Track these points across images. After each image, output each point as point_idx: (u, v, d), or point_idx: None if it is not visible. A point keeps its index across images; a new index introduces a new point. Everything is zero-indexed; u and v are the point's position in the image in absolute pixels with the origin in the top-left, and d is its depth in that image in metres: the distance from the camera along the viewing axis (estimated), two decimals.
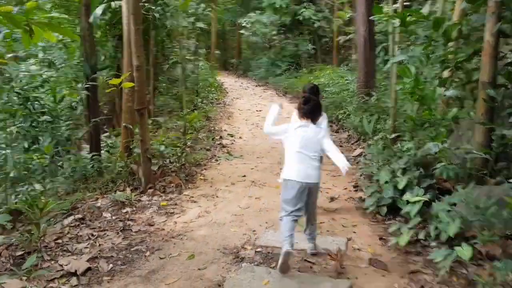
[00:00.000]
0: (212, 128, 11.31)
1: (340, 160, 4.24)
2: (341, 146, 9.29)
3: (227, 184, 6.76)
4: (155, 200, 5.98)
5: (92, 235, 4.80)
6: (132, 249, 4.50)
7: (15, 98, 6.12)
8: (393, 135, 7.01)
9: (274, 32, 23.19)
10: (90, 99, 8.23)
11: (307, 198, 4.14)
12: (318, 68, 18.78)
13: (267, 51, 25.14)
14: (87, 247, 4.49)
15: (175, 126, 10.18)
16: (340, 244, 4.53)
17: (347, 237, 4.77)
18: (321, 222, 5.12)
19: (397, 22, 6.73)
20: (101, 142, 8.30)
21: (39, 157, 7.01)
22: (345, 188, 6.55)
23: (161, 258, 4.30)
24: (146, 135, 6.33)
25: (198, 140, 9.58)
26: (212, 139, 9.89)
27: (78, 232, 4.87)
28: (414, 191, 4.95)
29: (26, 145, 7.18)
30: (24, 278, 3.70)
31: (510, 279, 3.47)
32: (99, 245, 4.57)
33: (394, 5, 7.83)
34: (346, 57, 19.70)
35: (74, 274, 3.93)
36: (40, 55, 9.50)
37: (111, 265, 4.13)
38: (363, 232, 4.96)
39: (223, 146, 9.41)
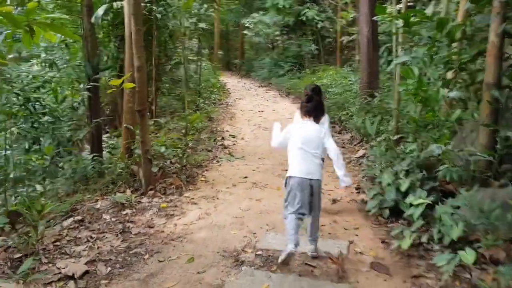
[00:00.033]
0: (214, 129, 11.26)
1: (341, 172, 4.27)
2: (343, 147, 9.24)
3: (228, 186, 6.70)
4: (155, 201, 5.93)
5: (91, 237, 4.76)
6: (131, 252, 4.45)
7: (14, 99, 6.06)
8: (396, 137, 6.95)
9: (277, 33, 23.19)
10: (92, 100, 8.19)
11: (311, 197, 4.13)
12: (321, 69, 18.73)
13: (270, 51, 25.16)
14: (85, 250, 4.44)
15: (177, 127, 10.13)
16: (342, 248, 4.46)
17: (349, 240, 4.71)
18: (322, 225, 5.05)
19: (400, 22, 6.68)
20: (103, 143, 8.27)
21: (39, 158, 6.99)
22: (347, 190, 6.47)
23: (160, 261, 4.24)
24: (147, 136, 6.28)
25: (200, 141, 9.54)
26: (214, 140, 9.84)
27: (77, 234, 4.83)
28: (417, 193, 4.89)
29: (26, 146, 7.17)
30: (21, 281, 3.64)
31: None
32: (98, 247, 4.52)
33: (398, 6, 7.77)
34: (350, 57, 19.63)
35: (72, 277, 3.87)
36: (43, 55, 9.49)
37: (109, 268, 4.08)
38: (365, 235, 4.89)
39: (225, 147, 9.36)
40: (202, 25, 11.66)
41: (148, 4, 9.18)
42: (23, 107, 6.82)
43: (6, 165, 5.85)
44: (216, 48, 27.74)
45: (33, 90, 7.12)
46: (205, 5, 12.72)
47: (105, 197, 6.10)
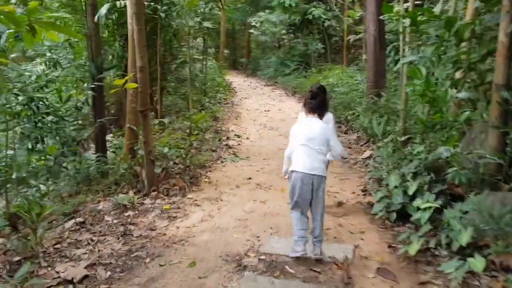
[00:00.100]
0: (219, 129, 11.17)
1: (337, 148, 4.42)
2: (350, 148, 9.13)
3: (231, 187, 6.61)
4: (158, 203, 5.85)
5: (92, 240, 4.69)
6: (132, 255, 4.37)
7: (13, 99, 5.99)
8: (404, 138, 6.82)
9: (284, 32, 23.07)
10: (96, 99, 8.14)
11: (313, 194, 4.14)
12: (327, 68, 18.59)
13: (276, 50, 25.06)
14: (86, 253, 4.37)
15: (182, 126, 10.05)
16: (347, 252, 4.36)
17: (355, 244, 4.60)
18: (327, 228, 4.96)
19: (407, 21, 6.56)
20: (107, 143, 8.21)
21: (42, 158, 6.94)
22: (353, 192, 6.37)
23: (161, 265, 4.16)
24: (150, 136, 6.20)
25: (204, 141, 9.46)
26: (219, 140, 9.76)
27: (77, 237, 4.76)
28: (424, 196, 4.78)
29: (30, 145, 7.11)
30: (18, 286, 3.57)
31: None
32: (98, 250, 4.44)
33: (405, 4, 7.64)
34: (356, 56, 19.46)
35: (71, 282, 3.81)
36: (48, 54, 9.45)
37: (109, 273, 4.00)
38: (371, 239, 4.78)
39: (229, 147, 9.27)
40: (207, 24, 11.56)
41: (152, 3, 9.09)
42: (26, 106, 6.77)
43: (8, 166, 5.78)
44: (222, 47, 27.68)
45: (36, 90, 7.06)
46: (210, 4, 12.64)
47: (107, 198, 6.03)
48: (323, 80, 15.46)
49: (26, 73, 7.06)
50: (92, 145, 8.62)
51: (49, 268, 4.03)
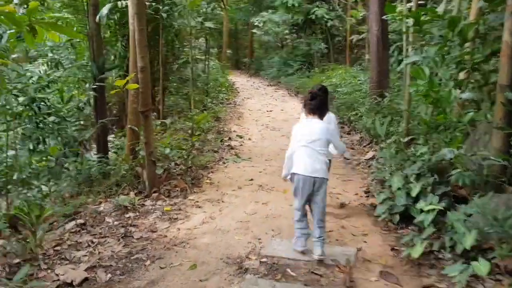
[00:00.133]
0: (221, 129, 11.14)
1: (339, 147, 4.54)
2: (352, 149, 9.08)
3: (233, 188, 6.57)
4: (159, 205, 5.82)
5: (92, 242, 4.65)
6: (132, 257, 4.33)
7: (13, 100, 5.96)
8: (407, 139, 6.76)
9: (287, 31, 23.02)
10: (98, 100, 8.11)
11: (314, 195, 4.20)
12: (330, 68, 18.53)
13: (279, 50, 25.02)
14: (86, 255, 4.34)
15: (184, 127, 10.02)
16: (350, 255, 4.32)
17: (357, 247, 4.55)
18: (330, 231, 4.91)
19: (411, 21, 6.50)
20: (109, 143, 8.18)
21: (43, 159, 6.91)
22: (356, 194, 6.32)
23: (161, 268, 4.12)
24: (151, 137, 6.17)
25: (206, 141, 9.42)
26: (221, 141, 9.72)
27: (78, 239, 4.72)
28: (428, 198, 4.72)
29: (31, 146, 7.09)
30: None
31: None
32: (99, 253, 4.41)
33: (408, 4, 7.59)
34: (359, 56, 19.40)
35: (70, 284, 3.77)
36: (50, 55, 9.43)
37: (109, 275, 3.97)
38: (374, 241, 4.73)
39: (232, 148, 9.23)
40: (209, 24, 11.52)
41: (153, 3, 9.06)
42: (27, 107, 6.75)
43: (8, 167, 5.76)
44: (225, 47, 27.67)
45: (38, 90, 7.04)
46: (212, 4, 12.60)
47: (108, 199, 6.00)
48: (326, 80, 15.40)
49: (28, 74, 7.03)
50: (94, 146, 8.60)
51: (49, 271, 4.00)
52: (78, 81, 9.35)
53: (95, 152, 8.17)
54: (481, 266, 3.58)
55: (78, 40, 9.95)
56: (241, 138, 10.29)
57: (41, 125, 7.05)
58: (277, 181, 6.90)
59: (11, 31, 6.40)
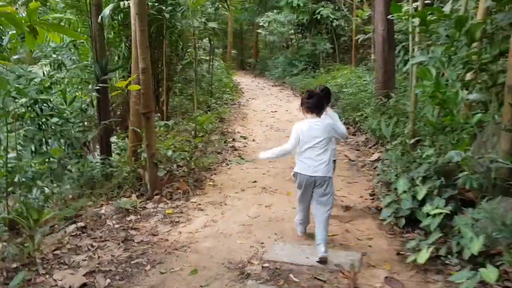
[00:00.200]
0: (225, 130, 11.05)
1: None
2: (358, 150, 8.98)
3: (236, 191, 6.48)
4: (161, 207, 5.74)
5: (92, 246, 4.58)
6: (132, 262, 4.26)
7: (11, 102, 5.91)
8: (413, 140, 6.65)
9: (292, 31, 22.93)
10: (101, 101, 8.07)
11: (317, 194, 4.35)
12: (335, 68, 18.41)
13: (284, 50, 24.92)
14: (85, 260, 4.26)
15: (187, 128, 9.95)
16: (354, 260, 4.22)
17: (362, 252, 4.45)
18: (334, 234, 4.82)
19: (417, 21, 6.40)
20: (113, 145, 8.12)
21: (46, 161, 6.86)
22: (361, 196, 6.21)
23: (161, 273, 4.04)
24: (153, 139, 6.10)
25: (210, 143, 9.33)
26: (224, 142, 9.63)
27: (78, 243, 4.66)
28: (434, 202, 4.62)
29: (33, 148, 7.05)
30: None
31: None
32: (98, 257, 4.34)
33: (414, 4, 7.48)
34: (365, 56, 19.25)
35: None
36: (53, 56, 9.40)
37: (108, 280, 3.89)
38: (379, 246, 4.63)
39: (235, 149, 9.14)
40: (212, 24, 11.45)
41: (156, 4, 9.00)
42: (29, 108, 6.71)
43: (8, 170, 5.70)
44: (230, 47, 27.59)
45: (40, 92, 6.99)
46: (216, 4, 12.53)
47: (110, 202, 5.94)
48: (331, 80, 15.28)
49: (31, 75, 6.97)
50: (98, 147, 8.55)
51: (47, 276, 3.93)
52: (81, 82, 9.31)
53: (99, 154, 8.13)
54: (490, 273, 3.47)
55: (81, 41, 9.92)
56: (245, 139, 10.20)
57: (43, 126, 7.01)
58: (281, 183, 6.83)
59: (13, 32, 6.38)
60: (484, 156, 4.79)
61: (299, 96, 17.30)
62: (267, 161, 8.10)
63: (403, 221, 4.95)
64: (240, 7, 29.55)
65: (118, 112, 11.36)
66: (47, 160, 6.84)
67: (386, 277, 3.95)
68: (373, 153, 8.47)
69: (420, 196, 4.83)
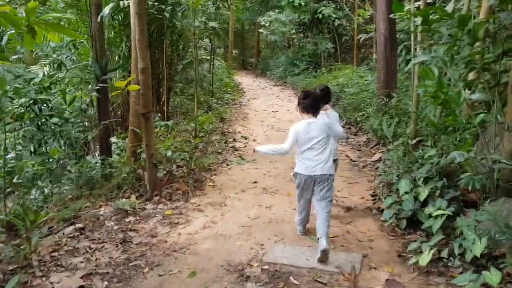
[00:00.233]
0: (226, 130, 10.99)
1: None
2: (359, 150, 8.92)
3: (236, 191, 6.42)
4: (160, 208, 5.69)
5: (90, 247, 4.53)
6: (130, 264, 4.21)
7: (8, 102, 5.87)
8: (414, 141, 6.58)
9: (293, 31, 22.87)
10: (101, 101, 8.01)
11: (317, 191, 4.40)
12: (337, 68, 18.34)
13: (286, 50, 24.86)
14: (82, 262, 4.21)
15: (188, 128, 9.89)
16: (355, 262, 4.17)
17: (363, 254, 4.39)
18: (335, 236, 4.77)
19: (419, 20, 6.33)
20: (113, 145, 8.07)
21: (45, 161, 6.81)
22: (362, 197, 6.15)
23: (160, 275, 3.99)
24: (152, 140, 6.04)
25: (210, 143, 9.27)
26: (225, 142, 9.57)
27: (75, 244, 4.60)
28: (436, 203, 4.56)
29: (32, 148, 7.01)
30: None
31: None
32: (96, 259, 4.29)
33: (416, 3, 7.41)
34: (367, 56, 19.18)
35: None
36: (54, 55, 9.37)
37: (105, 283, 3.84)
38: (380, 247, 4.57)
39: (236, 150, 9.08)
40: (212, 24, 11.39)
41: (156, 3, 8.94)
42: (28, 109, 6.67)
43: (3, 170, 5.66)
44: (231, 47, 27.56)
45: (39, 92, 6.95)
46: (218, 3, 12.47)
47: (109, 202, 5.89)
48: (332, 80, 15.21)
49: (30, 75, 6.94)
50: (98, 147, 8.50)
51: (44, 278, 3.88)
52: (81, 82, 9.26)
53: (99, 154, 8.08)
54: (493, 276, 3.41)
55: (82, 40, 9.88)
56: (245, 139, 10.15)
57: (43, 127, 6.97)
58: (281, 183, 6.77)
59: (12, 31, 6.33)
60: (487, 157, 4.73)
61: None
62: (268, 161, 8.06)
63: (404, 222, 4.89)
64: (242, 6, 29.51)
65: (119, 112, 11.31)
66: (46, 160, 6.80)
67: (387, 280, 3.90)
68: (374, 154, 8.41)
69: (422, 197, 4.78)
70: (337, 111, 5.79)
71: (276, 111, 14.21)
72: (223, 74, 19.36)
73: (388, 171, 6.29)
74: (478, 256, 3.74)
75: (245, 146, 9.44)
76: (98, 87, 7.66)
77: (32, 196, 6.62)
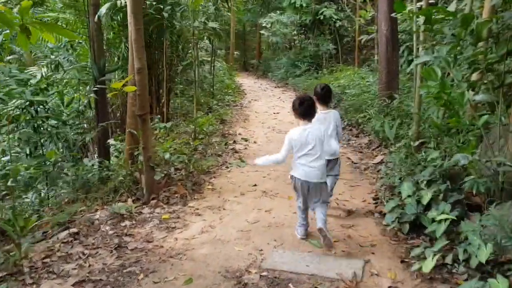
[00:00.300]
0: (226, 132, 10.87)
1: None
2: (361, 152, 8.79)
3: (236, 195, 6.30)
4: (157, 212, 5.57)
5: (83, 253, 4.40)
6: (125, 270, 4.08)
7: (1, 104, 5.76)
8: (417, 142, 6.46)
9: (295, 32, 22.79)
10: (99, 102, 7.91)
11: (312, 196, 4.54)
12: (338, 69, 18.23)
13: (287, 51, 24.78)
14: (75, 268, 4.09)
15: (187, 130, 9.78)
16: (356, 268, 4.04)
17: (364, 259, 4.26)
18: (335, 241, 4.64)
19: (421, 20, 6.22)
20: (112, 147, 7.97)
21: (41, 164, 6.71)
22: (364, 201, 6.02)
23: (155, 283, 3.87)
24: (149, 142, 5.92)
25: (210, 145, 9.15)
26: (225, 144, 9.44)
27: (69, 250, 4.48)
28: (440, 207, 4.44)
29: (28, 151, 6.91)
30: None
31: None
32: (89, 265, 4.16)
33: (419, 3, 7.30)
34: (369, 57, 19.07)
35: None
36: (52, 56, 9.28)
37: None
38: (382, 253, 4.44)
39: (236, 152, 8.95)
40: (212, 24, 11.27)
41: (154, 3, 8.84)
42: (24, 110, 6.57)
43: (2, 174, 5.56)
44: (232, 48, 27.49)
45: (36, 93, 6.85)
46: (218, 3, 12.36)
47: (105, 206, 5.76)
48: (334, 81, 15.10)
49: (25, 76, 6.83)
50: (96, 149, 8.40)
51: (34, 286, 3.76)
52: (79, 83, 9.17)
53: (97, 156, 7.98)
54: (499, 283, 3.28)
55: (80, 41, 9.79)
56: (246, 141, 10.02)
57: (39, 129, 6.87)
58: (281, 186, 6.64)
59: (6, 31, 6.23)
60: (491, 159, 4.60)
61: None
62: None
63: (407, 226, 4.76)
64: (243, 8, 29.43)
65: (118, 114, 11.20)
66: (42, 163, 6.69)
67: (389, 287, 3.78)
68: (376, 156, 8.28)
69: (425, 201, 4.66)
70: (338, 112, 5.70)
71: (277, 113, 14.10)
72: (224, 76, 19.26)
73: (390, 174, 6.17)
74: (484, 262, 3.61)
75: (246, 148, 9.32)
76: (96, 89, 7.57)
77: (28, 200, 6.52)
